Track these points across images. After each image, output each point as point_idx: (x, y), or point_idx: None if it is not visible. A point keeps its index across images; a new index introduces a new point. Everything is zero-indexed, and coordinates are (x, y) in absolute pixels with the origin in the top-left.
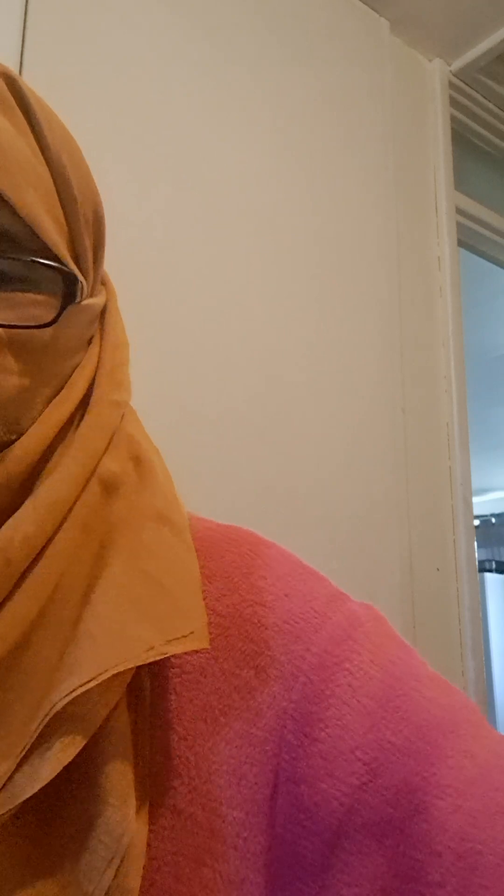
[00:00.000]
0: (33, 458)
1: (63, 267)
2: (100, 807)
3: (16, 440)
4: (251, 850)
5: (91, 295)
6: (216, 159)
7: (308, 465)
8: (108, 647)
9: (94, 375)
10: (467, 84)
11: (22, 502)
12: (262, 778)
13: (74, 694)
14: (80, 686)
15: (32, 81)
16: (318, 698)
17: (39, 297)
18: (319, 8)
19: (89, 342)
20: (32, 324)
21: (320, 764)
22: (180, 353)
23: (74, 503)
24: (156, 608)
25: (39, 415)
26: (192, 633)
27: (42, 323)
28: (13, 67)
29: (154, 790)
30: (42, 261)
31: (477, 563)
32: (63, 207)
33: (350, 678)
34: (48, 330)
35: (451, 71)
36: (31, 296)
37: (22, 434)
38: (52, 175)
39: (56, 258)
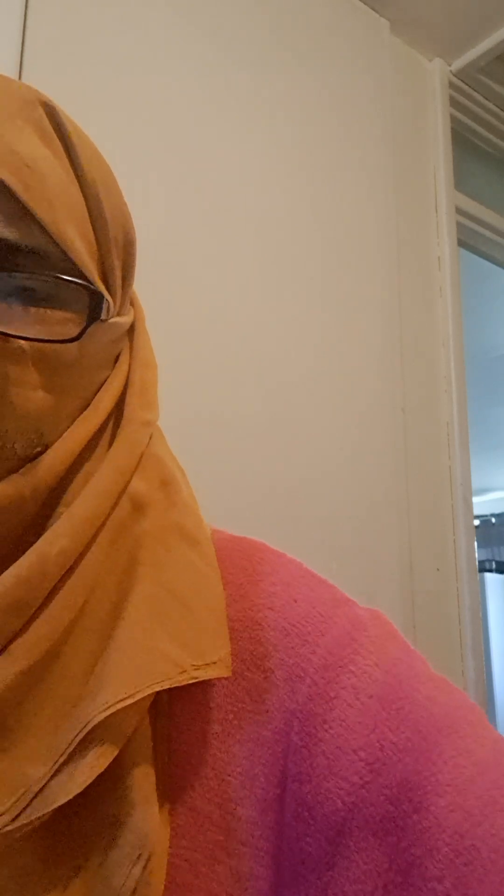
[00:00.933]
0: (59, 472)
1: (89, 285)
2: (126, 807)
3: (40, 453)
4: (262, 847)
5: (119, 314)
6: (216, 159)
7: (308, 465)
8: (142, 664)
9: (123, 393)
10: (467, 84)
11: (47, 515)
12: (271, 778)
13: (113, 709)
14: (119, 701)
15: (32, 81)
16: (323, 699)
17: (67, 315)
18: (320, 8)
19: (116, 360)
20: (57, 339)
21: (323, 763)
22: (180, 353)
23: (106, 520)
24: (184, 628)
25: (65, 429)
26: (219, 659)
27: (67, 338)
28: (13, 67)
29: (172, 790)
30: (69, 278)
31: (477, 563)
32: (94, 229)
33: (354, 679)
34: (73, 346)
35: (451, 71)
36: (59, 313)
37: (46, 448)
38: (85, 199)
39: (83, 277)
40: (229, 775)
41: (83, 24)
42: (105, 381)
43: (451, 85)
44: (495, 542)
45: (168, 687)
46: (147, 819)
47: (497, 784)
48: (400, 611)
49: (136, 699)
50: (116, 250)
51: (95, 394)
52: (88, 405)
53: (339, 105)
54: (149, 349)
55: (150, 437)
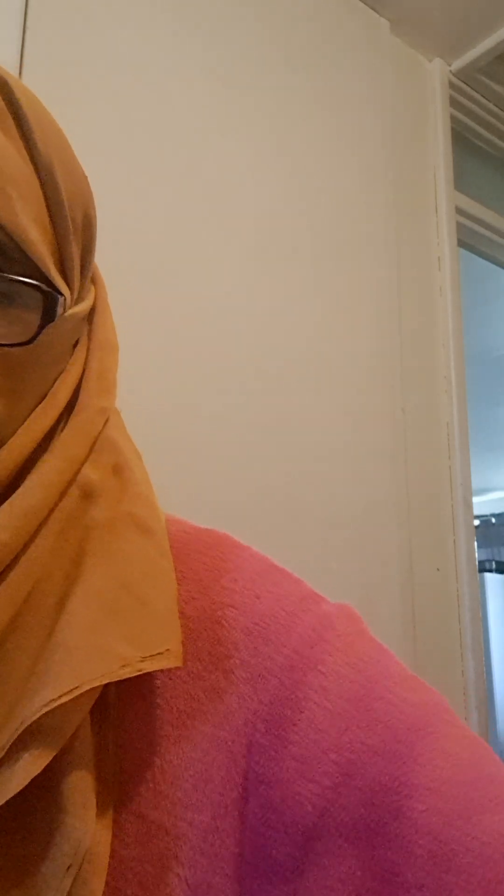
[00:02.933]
0: (11, 469)
1: (43, 286)
2: (60, 814)
3: None
4: (219, 854)
5: (78, 300)
6: (216, 158)
7: (308, 465)
8: (83, 660)
9: (81, 380)
10: (467, 84)
11: None
12: (229, 781)
13: (47, 708)
14: (54, 700)
15: (32, 82)
16: (291, 700)
17: (19, 313)
18: (319, 8)
19: (75, 345)
20: (11, 341)
21: (293, 766)
22: (179, 354)
23: (52, 510)
24: (132, 621)
25: (20, 425)
26: (167, 650)
27: (20, 341)
28: (13, 67)
29: (119, 796)
30: (24, 280)
31: (477, 563)
32: (50, 213)
33: (322, 680)
34: (28, 347)
35: (451, 71)
36: (11, 311)
37: (1, 445)
38: (40, 181)
39: (40, 274)
40: (182, 780)
41: (83, 24)
42: (63, 370)
43: (451, 85)
44: (495, 542)
45: (108, 681)
46: (81, 826)
47: (474, 784)
48: (400, 611)
49: (73, 696)
50: (75, 234)
51: (53, 385)
52: (45, 397)
53: (338, 105)
54: (109, 328)
55: (106, 423)
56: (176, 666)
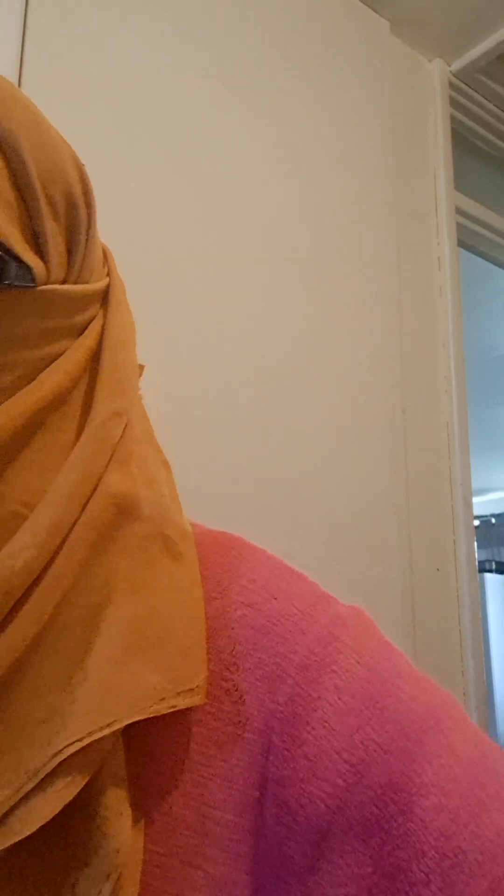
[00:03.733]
0: None
1: None
2: (96, 822)
3: None
4: (240, 851)
5: (69, 282)
6: (216, 158)
7: (307, 465)
8: (121, 691)
9: (88, 375)
10: (467, 84)
11: None
12: (250, 780)
13: (84, 743)
14: (95, 732)
15: (32, 81)
16: (304, 700)
17: None
18: (319, 8)
19: (76, 335)
20: None
21: (306, 765)
22: (179, 354)
23: (75, 523)
24: (164, 654)
25: None
26: (197, 686)
27: None
28: (13, 67)
29: (147, 795)
30: None
31: (477, 563)
32: (18, 189)
33: (336, 679)
34: None
35: (451, 71)
36: None
37: None
38: (5, 157)
39: None
40: (208, 779)
41: (83, 24)
42: (58, 355)
43: (451, 85)
44: (495, 542)
45: (143, 717)
46: (118, 834)
47: (482, 783)
48: (400, 611)
49: (110, 731)
50: (53, 212)
51: (41, 370)
52: (32, 382)
53: (338, 105)
54: (125, 326)
55: (126, 428)
56: (202, 702)
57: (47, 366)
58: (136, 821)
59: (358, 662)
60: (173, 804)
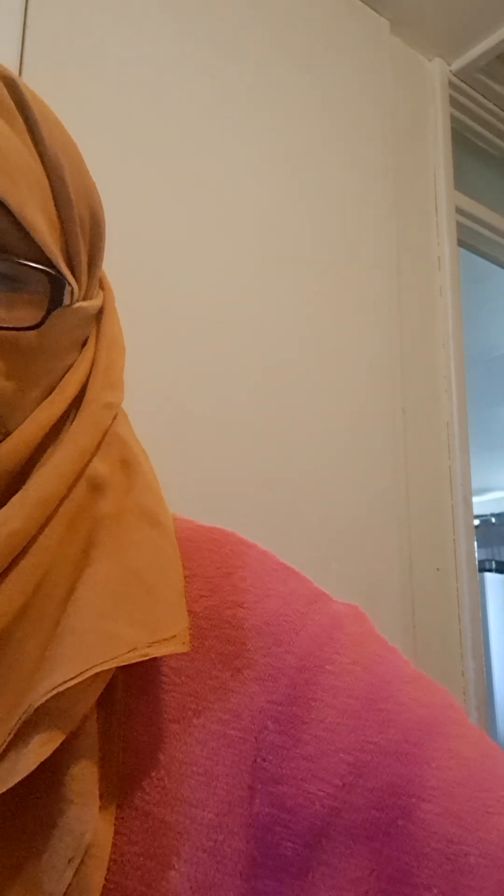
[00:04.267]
0: (21, 458)
1: (51, 270)
2: (63, 805)
3: (1, 440)
4: (224, 852)
5: (85, 297)
6: (216, 158)
7: (307, 464)
8: (91, 644)
9: (88, 376)
10: (467, 84)
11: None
12: (237, 779)
13: (57, 690)
14: (62, 684)
15: (32, 81)
16: (302, 700)
17: (29, 298)
18: (319, 8)
19: (83, 344)
20: (19, 325)
21: (304, 765)
22: (179, 353)
23: (62, 501)
24: (140, 607)
25: (27, 415)
26: (174, 636)
27: (28, 325)
28: (13, 67)
29: (123, 792)
30: (31, 263)
31: (477, 563)
32: (58, 209)
33: (333, 679)
34: (34, 332)
35: (451, 70)
36: (21, 296)
37: (8, 434)
38: (48, 177)
39: (47, 260)
40: (188, 776)
41: (83, 24)
42: (71, 366)
43: (451, 85)
44: (495, 542)
45: (118, 664)
46: (84, 817)
47: (485, 786)
48: (400, 611)
49: (82, 678)
50: (82, 232)
51: (61, 379)
52: (53, 390)
53: (338, 105)
54: (117, 330)
55: (114, 419)
56: (183, 651)
57: (62, 375)
58: (106, 813)
59: (356, 663)
60: (150, 803)
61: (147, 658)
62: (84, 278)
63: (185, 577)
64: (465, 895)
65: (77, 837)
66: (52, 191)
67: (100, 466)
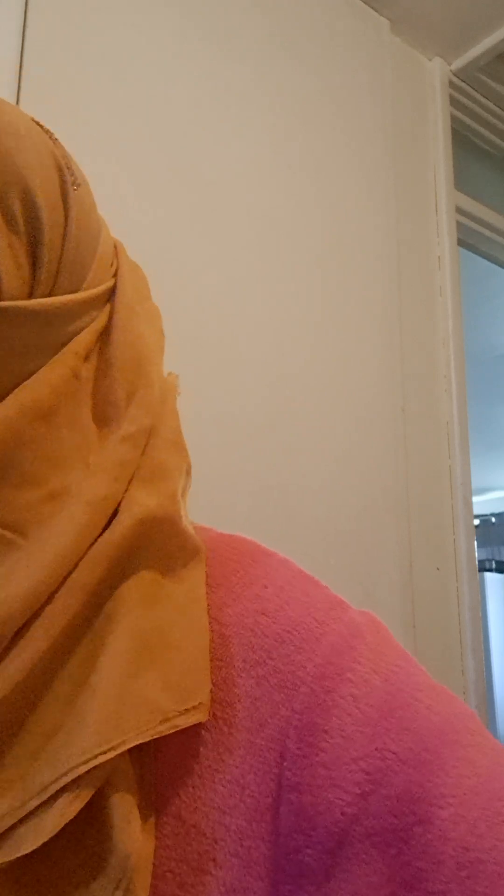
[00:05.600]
0: None
1: None
2: (105, 831)
3: None
4: (253, 857)
5: (36, 294)
6: (216, 158)
7: (308, 464)
8: (126, 711)
9: (87, 385)
10: (467, 83)
11: None
12: (263, 787)
13: (95, 762)
14: (101, 754)
15: (32, 81)
16: (321, 708)
17: None
18: (319, 7)
19: (63, 345)
20: None
21: (323, 773)
22: (180, 351)
23: (94, 543)
24: (169, 670)
25: None
26: (200, 703)
27: None
28: (13, 68)
29: (158, 800)
30: None
31: (477, 562)
32: None
33: (352, 688)
34: None
35: (451, 70)
36: None
37: None
38: None
39: None
40: (219, 784)
41: (83, 24)
42: (32, 372)
43: (451, 84)
44: (495, 541)
45: (150, 738)
46: (127, 841)
47: (500, 795)
48: (400, 611)
49: (115, 753)
50: (10, 224)
51: (14, 384)
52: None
53: (338, 104)
54: (135, 327)
55: (148, 440)
56: (205, 720)
57: (19, 384)
58: (146, 826)
59: (374, 671)
60: (184, 810)
61: (177, 729)
62: (20, 273)
63: (209, 585)
64: None
65: (122, 860)
66: None
67: (144, 500)
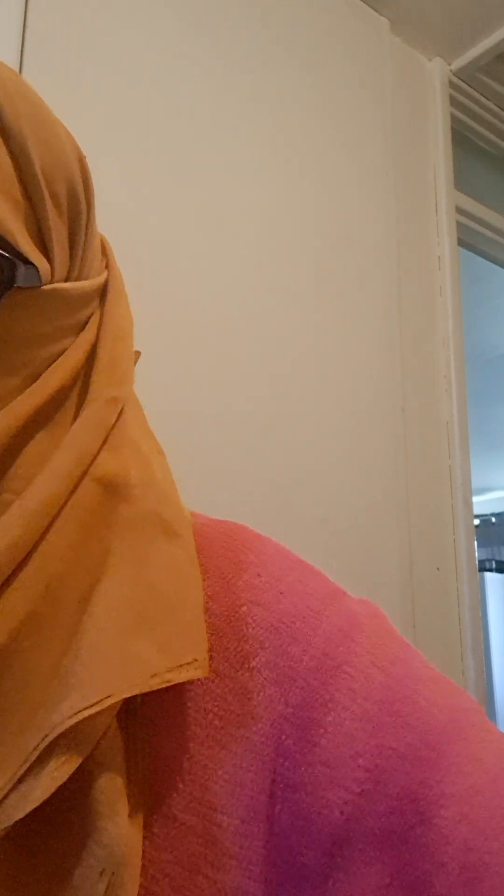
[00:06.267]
0: None
1: None
2: (91, 818)
3: None
4: (249, 857)
5: (71, 278)
6: (216, 158)
7: (307, 464)
8: (112, 667)
9: (85, 368)
10: (467, 83)
11: None
12: (258, 784)
13: (76, 719)
14: (84, 710)
15: (32, 81)
16: (318, 703)
17: None
18: (319, 7)
19: (82, 328)
20: None
21: (321, 771)
22: (180, 352)
23: (66, 503)
24: (160, 628)
25: (4, 406)
26: (195, 660)
27: None
28: (13, 67)
29: (149, 799)
30: None
31: (477, 562)
32: (23, 186)
33: (350, 681)
34: None
35: (451, 70)
36: None
37: None
38: (10, 153)
39: (5, 242)
40: (213, 782)
41: (83, 24)
42: (61, 353)
43: (451, 84)
44: (495, 541)
45: (139, 692)
46: (114, 830)
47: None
48: (400, 611)
49: (103, 706)
50: (57, 208)
51: (47, 368)
52: (37, 380)
53: (338, 104)
54: (122, 315)
55: (121, 415)
56: (203, 676)
57: (50, 364)
58: (134, 818)
59: (373, 664)
60: (177, 809)
61: (169, 684)
62: (63, 258)
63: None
64: None
65: (108, 849)
66: (15, 167)
67: (109, 465)
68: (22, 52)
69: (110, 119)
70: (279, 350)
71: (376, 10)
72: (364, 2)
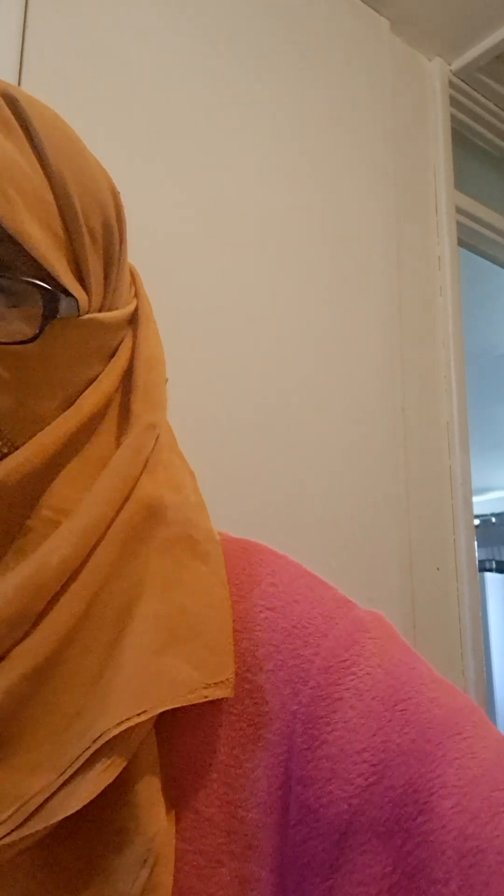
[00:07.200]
0: (30, 471)
1: (42, 284)
2: (132, 811)
3: (7, 454)
4: (265, 850)
5: (105, 308)
6: (217, 158)
7: (308, 464)
8: (154, 682)
9: (127, 394)
10: (467, 83)
11: (24, 515)
12: (274, 780)
13: (128, 724)
14: (136, 716)
15: (32, 81)
16: (326, 701)
17: (28, 312)
18: (319, 7)
19: (112, 355)
20: (13, 339)
21: (327, 766)
22: (179, 354)
23: (110, 525)
24: (195, 648)
25: (39, 430)
26: (226, 679)
27: (23, 339)
28: (13, 68)
29: (176, 794)
30: (24, 279)
31: (477, 562)
32: (64, 222)
33: (357, 681)
34: (33, 345)
35: (451, 70)
36: (20, 310)
37: (14, 448)
38: (53, 191)
39: (47, 275)
40: (233, 779)
41: (83, 24)
42: (95, 378)
43: (451, 84)
44: (495, 542)
45: (177, 706)
46: (153, 822)
47: (501, 786)
48: (400, 611)
49: (144, 718)
50: (93, 243)
51: (81, 393)
52: (72, 405)
53: (338, 104)
54: (153, 342)
55: (157, 440)
56: (231, 696)
57: (84, 387)
58: (167, 814)
59: (379, 666)
60: (201, 803)
61: (205, 700)
62: (98, 289)
63: None
64: (480, 890)
65: (149, 840)
66: (58, 206)
67: (149, 489)
68: (22, 52)
69: (110, 120)
70: (279, 350)
71: (376, 10)
72: (364, 2)
